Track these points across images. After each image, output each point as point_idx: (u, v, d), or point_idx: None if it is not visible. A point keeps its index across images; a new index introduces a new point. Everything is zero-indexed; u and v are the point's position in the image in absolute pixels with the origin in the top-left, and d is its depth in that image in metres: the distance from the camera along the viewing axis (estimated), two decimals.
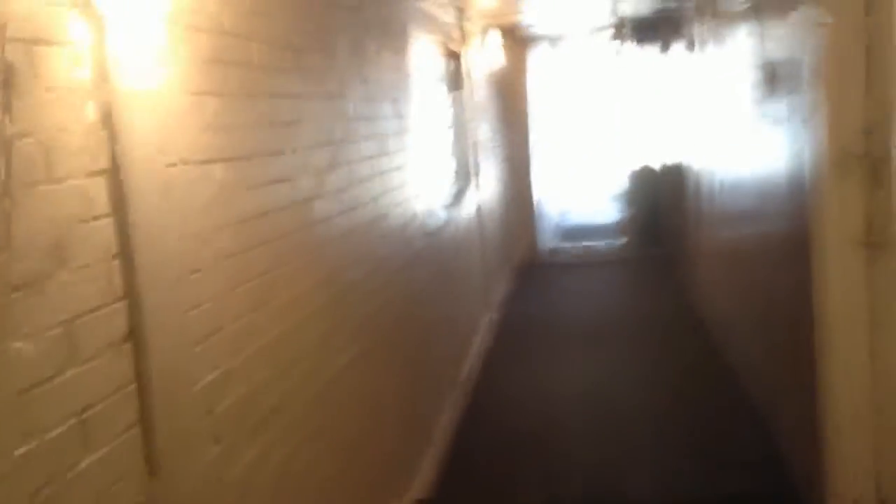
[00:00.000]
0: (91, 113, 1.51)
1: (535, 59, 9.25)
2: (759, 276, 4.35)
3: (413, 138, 4.25)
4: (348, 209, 2.93)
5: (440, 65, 5.89)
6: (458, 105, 6.10)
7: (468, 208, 6.09)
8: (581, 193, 13.53)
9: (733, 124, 4.96)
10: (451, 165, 6.05)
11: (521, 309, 7.20)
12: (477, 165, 6.52)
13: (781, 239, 3.79)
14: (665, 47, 8.36)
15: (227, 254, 1.99)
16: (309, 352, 2.51)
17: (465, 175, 6.17)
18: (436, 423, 4.35)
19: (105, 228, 1.55)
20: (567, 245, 10.01)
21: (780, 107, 3.71)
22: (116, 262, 1.57)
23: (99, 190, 1.53)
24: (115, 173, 1.56)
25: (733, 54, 4.89)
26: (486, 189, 6.98)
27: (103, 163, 1.54)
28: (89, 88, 1.51)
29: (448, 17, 5.80)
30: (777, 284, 3.94)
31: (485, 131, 7.19)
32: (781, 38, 3.68)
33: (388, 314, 3.42)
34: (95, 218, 1.52)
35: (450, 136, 6.05)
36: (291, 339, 2.38)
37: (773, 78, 3.81)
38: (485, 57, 6.81)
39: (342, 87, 2.99)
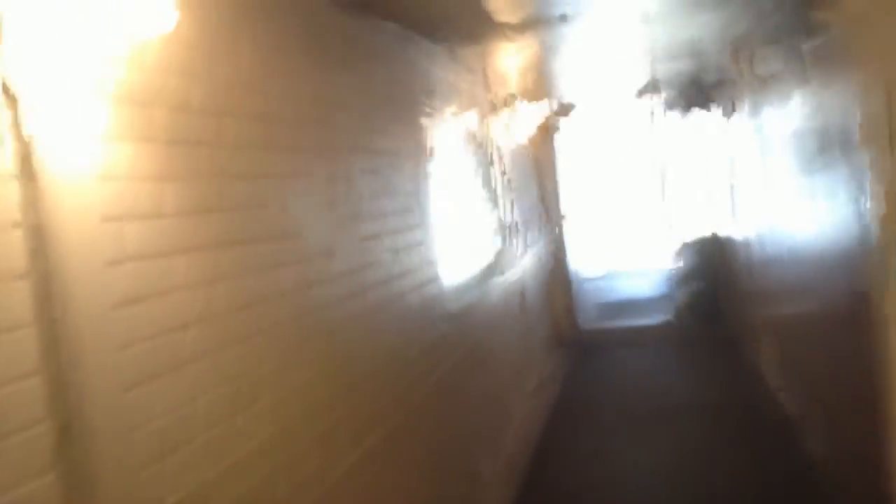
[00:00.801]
0: (7, 205, 1.30)
1: (568, 127, 9.06)
2: (824, 354, 3.95)
3: (433, 214, 4.01)
4: (353, 294, 2.68)
5: (467, 136, 5.72)
6: (487, 177, 5.89)
7: (502, 285, 5.80)
8: (623, 267, 13.12)
9: (783, 192, 4.64)
10: (482, 241, 5.80)
11: (569, 393, 6.74)
12: (510, 239, 6.26)
13: (844, 314, 3.43)
14: (703, 111, 8.11)
15: (192, 356, 1.74)
16: (305, 455, 2.23)
17: (496, 250, 5.90)
18: None
19: (25, 342, 1.32)
20: (611, 323, 9.54)
21: (833, 174, 3.41)
22: (36, 380, 1.33)
23: (19, 298, 1.30)
24: (38, 277, 1.34)
25: (778, 119, 4.61)
26: (521, 264, 6.70)
27: (21, 265, 1.32)
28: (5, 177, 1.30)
29: (474, 87, 5.65)
30: (842, 363, 3.55)
31: (517, 204, 6.96)
32: (831, 102, 3.40)
33: (403, 407, 3.12)
34: (9, 329, 1.29)
35: (478, 209, 5.82)
36: (281, 443, 2.10)
37: (825, 144, 3.52)
38: (515, 127, 6.64)
39: (344, 161, 2.78)
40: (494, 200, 5.99)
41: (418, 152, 3.94)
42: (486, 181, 5.89)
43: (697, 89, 8.01)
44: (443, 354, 3.86)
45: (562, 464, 5.10)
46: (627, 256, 13.27)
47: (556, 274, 8.75)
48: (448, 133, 5.28)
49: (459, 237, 5.18)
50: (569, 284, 8.92)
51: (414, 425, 3.24)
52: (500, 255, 5.92)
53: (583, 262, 10.15)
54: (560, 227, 8.88)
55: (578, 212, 9.92)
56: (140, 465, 1.54)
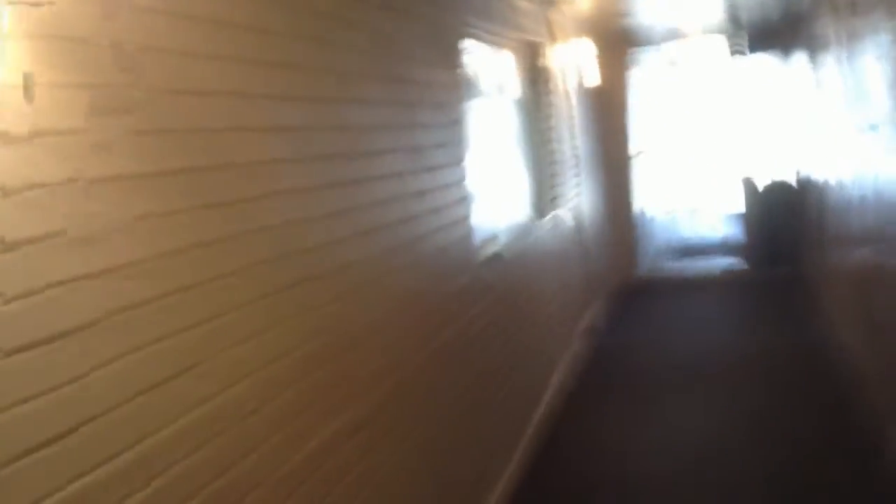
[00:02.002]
0: None
1: (638, 61, 8.42)
2: None
3: (471, 150, 3.65)
4: (349, 237, 2.36)
5: (523, 63, 5.28)
6: (543, 111, 5.46)
7: (550, 228, 5.43)
8: (690, 208, 12.49)
9: (869, 134, 4.08)
10: (531, 180, 5.41)
11: (615, 340, 6.36)
12: (564, 179, 5.85)
13: None
14: (786, 50, 7.41)
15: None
16: (280, 421, 1.97)
17: (547, 191, 5.50)
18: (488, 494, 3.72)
19: None
20: (672, 265, 9.08)
21: None
22: None
23: None
24: None
25: (875, 53, 4.02)
26: (575, 205, 6.28)
27: None
28: None
29: (530, 9, 5.17)
30: None
31: (576, 140, 6.50)
32: None
33: (411, 365, 2.83)
34: None
35: (530, 146, 5.42)
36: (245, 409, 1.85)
37: None
38: (578, 58, 6.13)
39: (350, 88, 2.44)
40: (550, 135, 5.56)
41: (457, 82, 3.55)
42: (544, 115, 5.45)
43: (777, 25, 7.31)
44: (471, 303, 3.55)
45: (587, 418, 4.81)
46: (699, 197, 12.63)
47: (620, 214, 8.28)
48: (500, 60, 4.86)
49: (503, 176, 4.81)
50: (632, 225, 8.44)
51: (428, 386, 2.96)
52: (550, 194, 5.53)
53: (651, 202, 9.63)
54: (628, 164, 8.35)
55: (649, 150, 9.34)
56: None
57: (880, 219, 3.94)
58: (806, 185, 7.26)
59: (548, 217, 5.40)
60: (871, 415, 4.15)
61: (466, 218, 3.57)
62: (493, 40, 4.52)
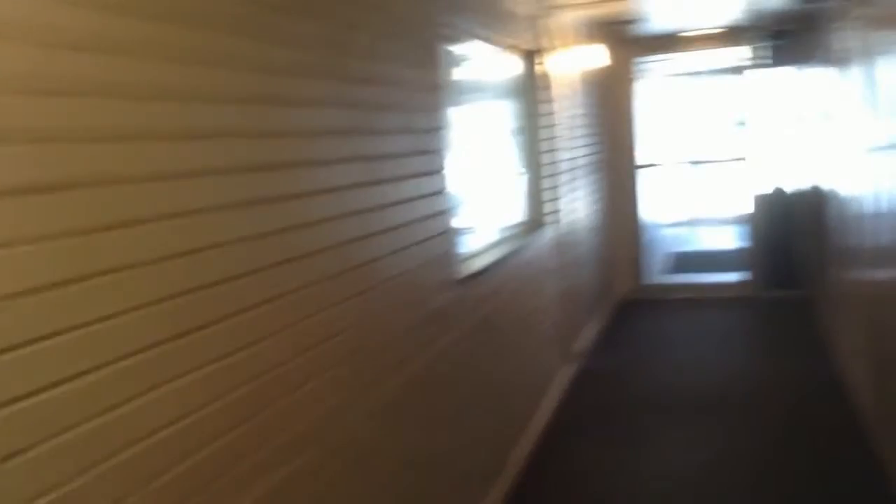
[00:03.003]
0: None
1: (644, 64, 8.05)
2: None
3: (454, 159, 3.31)
4: (280, 263, 2.02)
5: (517, 71, 4.94)
6: (541, 119, 5.11)
7: (546, 240, 5.08)
8: (699, 218, 12.11)
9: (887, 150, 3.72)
10: (527, 190, 5.07)
11: (611, 363, 5.97)
12: (563, 190, 5.49)
13: None
14: (804, 63, 7.03)
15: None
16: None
17: (543, 202, 5.15)
18: None
19: None
20: (678, 279, 8.70)
21: None
22: None
23: None
24: None
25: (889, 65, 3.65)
26: (573, 215, 5.93)
27: None
28: None
29: (529, 12, 4.83)
30: None
31: (574, 147, 6.15)
32: None
33: (362, 410, 2.48)
34: None
35: (527, 155, 5.07)
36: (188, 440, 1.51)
37: None
38: (581, 64, 5.79)
39: (289, 87, 2.10)
40: (549, 144, 5.21)
41: (437, 84, 3.21)
42: (542, 123, 5.10)
43: (795, 37, 6.94)
44: (446, 328, 3.20)
45: (574, 448, 4.42)
46: (706, 205, 12.25)
47: (625, 225, 7.91)
48: (494, 63, 4.52)
49: (500, 185, 4.48)
50: (637, 237, 8.06)
51: (388, 426, 2.62)
52: (550, 205, 5.18)
53: (657, 211, 9.27)
54: (633, 174, 7.98)
55: (656, 157, 8.98)
56: None
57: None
58: (823, 197, 6.88)
59: (543, 229, 5.05)
60: (877, 465, 3.78)
61: (446, 232, 3.23)
62: (487, 41, 4.18)
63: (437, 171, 3.16)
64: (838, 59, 5.47)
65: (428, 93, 3.11)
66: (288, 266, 2.02)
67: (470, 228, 4.00)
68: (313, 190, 2.18)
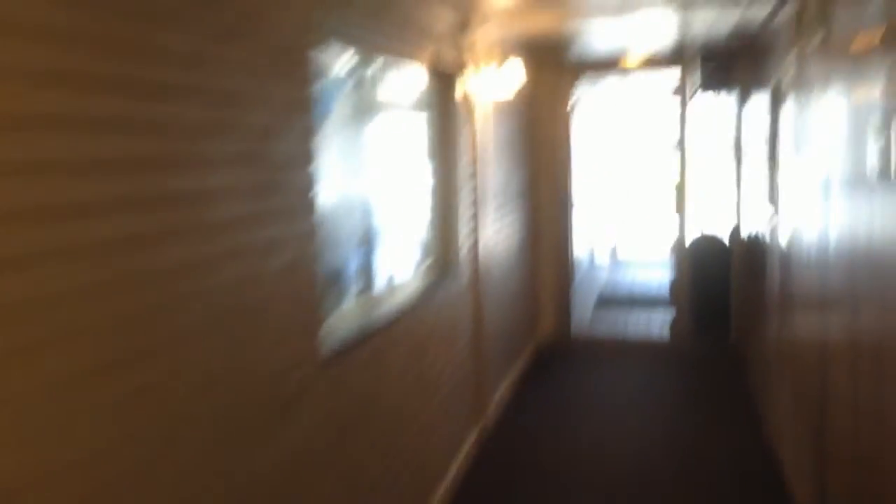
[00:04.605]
0: None
1: (581, 93, 7.49)
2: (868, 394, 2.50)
3: (314, 195, 2.57)
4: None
5: (428, 89, 4.25)
6: (453, 144, 4.43)
7: (455, 283, 4.38)
8: (629, 255, 11.68)
9: (843, 189, 3.15)
10: (433, 226, 4.37)
11: (522, 424, 5.22)
12: (479, 223, 4.82)
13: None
14: (742, 91, 6.60)
15: None
16: None
17: (453, 238, 4.47)
18: None
19: None
20: (605, 319, 8.09)
21: None
22: None
23: None
24: None
25: (847, 99, 3.09)
26: (493, 253, 5.26)
27: None
28: None
29: (443, 24, 4.15)
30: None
31: (498, 177, 5.50)
32: None
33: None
34: None
35: (437, 185, 4.38)
36: None
37: None
38: (501, 82, 5.14)
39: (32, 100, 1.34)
40: (465, 173, 4.54)
41: (303, 100, 2.48)
42: (456, 149, 4.43)
43: (732, 58, 6.50)
44: (309, 418, 2.46)
45: None
46: (639, 245, 11.85)
47: (553, 262, 7.29)
48: (397, 78, 3.81)
49: (398, 222, 3.78)
50: (565, 273, 7.42)
51: None
52: (460, 241, 4.50)
53: (589, 248, 8.74)
54: (565, 207, 7.35)
55: (589, 191, 8.44)
56: None
57: (854, 279, 2.95)
58: (757, 242, 6.41)
59: (456, 270, 4.37)
60: None
61: (307, 289, 2.49)
62: (385, 52, 3.47)
63: (296, 211, 2.42)
64: (779, 88, 4.98)
65: (286, 112, 2.37)
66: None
67: (356, 278, 3.28)
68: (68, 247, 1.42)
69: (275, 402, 2.27)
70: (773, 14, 4.72)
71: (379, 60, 3.52)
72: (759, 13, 4.82)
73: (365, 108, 3.40)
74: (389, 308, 3.45)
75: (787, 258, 4.49)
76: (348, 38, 3.03)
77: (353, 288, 3.30)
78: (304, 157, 2.47)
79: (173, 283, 1.78)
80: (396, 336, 3.36)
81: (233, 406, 2.04)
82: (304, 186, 2.48)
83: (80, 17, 1.50)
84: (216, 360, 1.96)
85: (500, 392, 5.48)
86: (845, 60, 3.09)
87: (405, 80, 3.98)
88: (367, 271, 3.42)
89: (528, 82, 6.00)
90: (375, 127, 3.52)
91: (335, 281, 3.12)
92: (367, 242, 3.44)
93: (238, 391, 2.07)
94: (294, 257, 2.39)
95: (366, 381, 3.00)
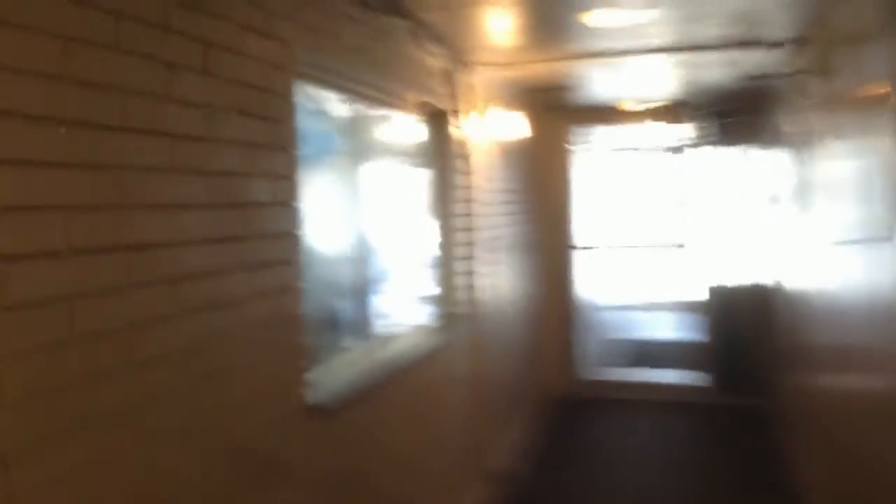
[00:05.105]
0: None
1: (580, 136, 7.40)
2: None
3: (297, 241, 2.45)
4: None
5: (415, 134, 4.17)
6: (450, 189, 4.33)
7: (455, 334, 4.23)
8: (638, 305, 11.43)
9: (861, 242, 3.00)
10: (429, 275, 4.24)
11: (527, 488, 4.94)
12: (479, 271, 4.68)
13: None
14: (752, 144, 6.51)
15: None
16: None
17: (452, 288, 4.33)
18: None
19: None
20: (616, 375, 7.81)
21: None
22: None
23: None
24: None
25: (856, 151, 2.97)
26: (496, 302, 5.11)
27: None
28: None
29: (436, 67, 4.08)
30: None
31: (498, 224, 5.38)
32: None
33: None
34: None
35: (431, 230, 4.26)
36: None
37: None
38: (502, 127, 5.07)
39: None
40: (464, 219, 4.42)
41: (284, 142, 2.38)
42: (453, 196, 4.32)
43: (738, 110, 6.42)
44: (300, 471, 2.29)
45: None
46: (647, 291, 11.62)
47: (557, 312, 7.12)
48: (388, 122, 3.73)
49: (393, 270, 3.65)
50: (572, 325, 7.24)
51: None
52: (459, 290, 4.35)
53: (597, 297, 8.53)
54: (568, 254, 7.22)
55: (592, 236, 8.29)
56: None
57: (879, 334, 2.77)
58: (768, 293, 6.23)
59: (456, 321, 4.22)
60: None
61: (289, 340, 2.34)
62: (365, 95, 3.38)
63: (273, 259, 2.29)
64: (788, 141, 4.89)
65: (262, 153, 2.26)
66: None
67: (352, 327, 3.15)
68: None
69: (256, 463, 2.10)
70: (779, 66, 4.64)
71: (368, 103, 3.43)
72: (768, 64, 4.73)
73: (359, 152, 3.30)
74: (387, 357, 3.29)
75: (800, 309, 4.32)
76: (326, 81, 2.93)
77: (349, 337, 3.16)
78: (284, 201, 2.35)
79: (134, 339, 1.64)
80: (394, 386, 3.20)
81: (209, 472, 1.88)
82: (285, 231, 2.35)
83: (35, 47, 1.40)
84: (187, 422, 1.81)
85: (505, 444, 5.26)
86: (852, 112, 2.99)
87: (398, 125, 3.89)
88: (363, 320, 3.28)
89: (527, 128, 5.93)
90: (370, 171, 3.42)
91: (328, 330, 2.99)
92: (363, 290, 3.31)
93: (213, 455, 1.91)
94: (274, 307, 2.25)
95: (363, 434, 2.83)
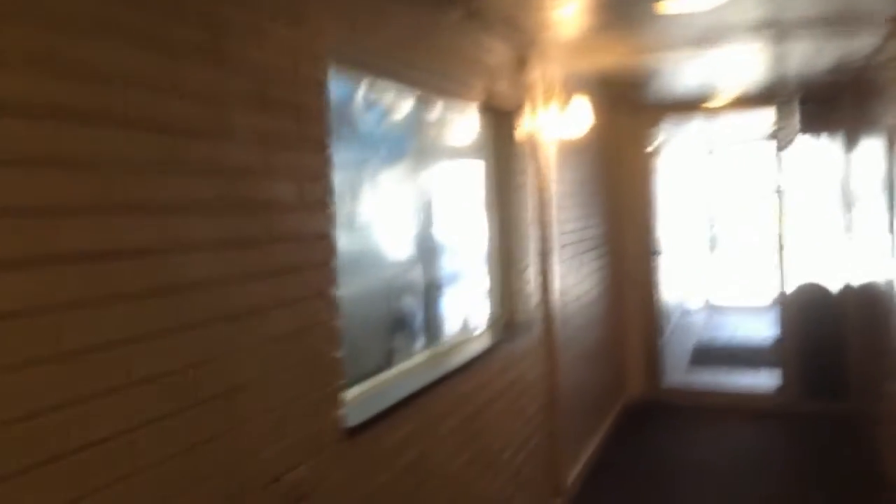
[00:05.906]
0: None
1: (660, 131, 7.00)
2: None
3: (332, 242, 2.26)
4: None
5: (478, 130, 3.94)
6: (516, 190, 4.09)
7: (520, 342, 3.98)
8: (727, 305, 10.88)
9: None
10: (491, 279, 4.01)
11: (609, 495, 4.69)
12: (549, 275, 4.41)
13: None
14: (848, 133, 5.99)
15: None
16: None
17: (518, 293, 4.08)
18: None
19: None
20: (701, 380, 7.38)
21: None
22: None
23: None
24: None
25: None
26: (570, 307, 4.83)
27: None
28: None
29: (502, 60, 3.84)
30: None
31: (572, 226, 5.09)
32: None
33: None
34: None
35: (497, 236, 4.03)
36: None
37: None
38: (572, 124, 4.78)
39: None
40: (533, 220, 4.17)
41: (300, 141, 2.19)
42: (520, 197, 4.08)
43: (834, 98, 5.92)
44: (335, 498, 2.10)
45: None
46: (737, 293, 11.07)
47: (637, 313, 6.76)
48: (443, 117, 3.52)
49: (440, 280, 3.44)
50: (653, 326, 6.87)
51: None
52: (527, 295, 4.11)
53: (679, 300, 8.13)
54: (650, 256, 6.85)
55: (675, 236, 7.89)
56: None
57: None
58: (872, 292, 5.71)
59: (521, 328, 3.97)
60: None
61: (321, 355, 2.16)
62: (419, 86, 3.17)
63: (302, 265, 2.09)
64: (892, 129, 4.41)
65: (288, 149, 2.08)
66: None
67: (402, 336, 2.96)
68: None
69: (281, 497, 1.92)
70: (880, 48, 4.19)
71: (427, 97, 3.24)
72: (864, 46, 4.29)
73: (424, 151, 3.12)
74: (449, 365, 3.08)
75: None
76: (371, 69, 2.74)
77: (415, 340, 2.98)
78: (316, 202, 2.17)
79: (133, 358, 1.48)
80: (454, 397, 2.98)
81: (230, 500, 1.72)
82: (314, 233, 2.16)
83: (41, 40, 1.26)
84: (193, 451, 1.64)
85: (583, 459, 4.97)
86: None
87: (463, 120, 3.69)
88: (430, 322, 3.10)
89: (602, 123, 5.62)
90: (437, 170, 3.24)
91: (389, 334, 2.82)
92: (431, 292, 3.13)
93: (226, 489, 1.74)
94: (301, 317, 2.07)
95: (412, 456, 2.62)
